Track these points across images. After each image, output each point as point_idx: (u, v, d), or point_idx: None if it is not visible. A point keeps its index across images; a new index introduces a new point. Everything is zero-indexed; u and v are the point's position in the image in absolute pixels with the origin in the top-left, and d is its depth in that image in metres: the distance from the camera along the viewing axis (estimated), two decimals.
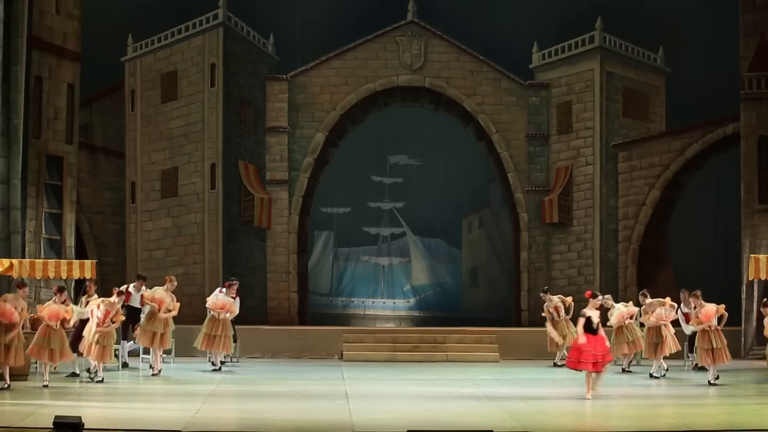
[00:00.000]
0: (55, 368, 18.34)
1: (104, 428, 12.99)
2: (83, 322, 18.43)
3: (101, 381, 17.96)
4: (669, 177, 26.17)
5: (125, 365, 20.33)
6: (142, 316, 20.03)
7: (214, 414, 14.72)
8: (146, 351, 20.18)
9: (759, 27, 24.01)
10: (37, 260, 20.28)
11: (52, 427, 11.72)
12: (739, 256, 23.75)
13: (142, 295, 20.26)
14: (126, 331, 20.35)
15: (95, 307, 18.10)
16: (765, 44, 23.98)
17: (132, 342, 20.39)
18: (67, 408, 14.59)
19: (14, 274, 18.60)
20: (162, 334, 19.60)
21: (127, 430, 13.28)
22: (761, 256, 20.46)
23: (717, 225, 25.77)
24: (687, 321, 19.99)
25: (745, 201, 24.09)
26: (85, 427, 11.78)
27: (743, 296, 23.53)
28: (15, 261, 19.01)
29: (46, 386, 17.06)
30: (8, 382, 16.92)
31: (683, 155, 26.15)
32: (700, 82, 24.91)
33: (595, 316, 16.30)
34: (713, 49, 24.93)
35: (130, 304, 20.31)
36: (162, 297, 19.76)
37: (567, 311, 21.49)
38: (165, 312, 19.60)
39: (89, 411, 14.07)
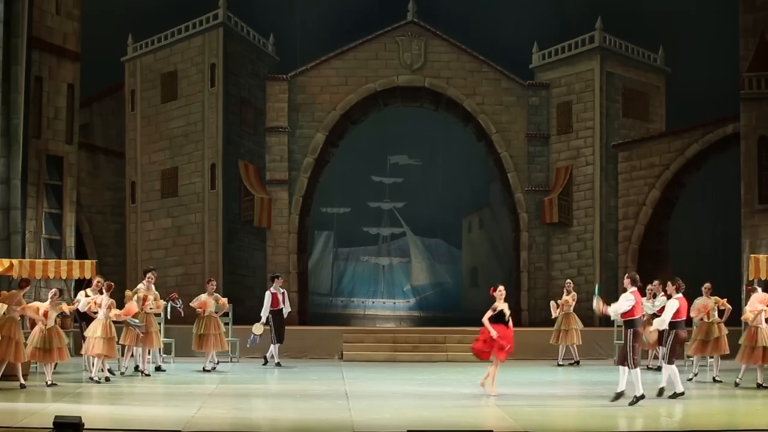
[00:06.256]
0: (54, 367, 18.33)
1: (104, 428, 13.00)
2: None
3: (105, 381, 17.96)
4: (669, 177, 26.17)
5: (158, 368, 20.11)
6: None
7: (214, 414, 14.71)
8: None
9: (759, 27, 23.98)
10: (37, 260, 20.25)
11: (52, 427, 11.71)
12: (739, 256, 23.73)
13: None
14: None
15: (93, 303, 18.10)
16: (765, 44, 23.95)
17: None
18: (67, 408, 14.60)
19: (14, 274, 18.55)
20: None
21: (127, 430, 13.28)
22: (761, 256, 20.40)
23: (717, 225, 25.76)
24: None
25: (745, 201, 24.07)
26: (85, 427, 11.78)
27: (743, 296, 23.49)
28: (15, 261, 18.97)
29: (49, 386, 17.07)
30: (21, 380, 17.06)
31: (683, 155, 26.15)
32: (700, 82, 24.89)
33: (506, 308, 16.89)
34: (713, 49, 24.91)
35: None
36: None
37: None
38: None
39: (89, 411, 14.08)
